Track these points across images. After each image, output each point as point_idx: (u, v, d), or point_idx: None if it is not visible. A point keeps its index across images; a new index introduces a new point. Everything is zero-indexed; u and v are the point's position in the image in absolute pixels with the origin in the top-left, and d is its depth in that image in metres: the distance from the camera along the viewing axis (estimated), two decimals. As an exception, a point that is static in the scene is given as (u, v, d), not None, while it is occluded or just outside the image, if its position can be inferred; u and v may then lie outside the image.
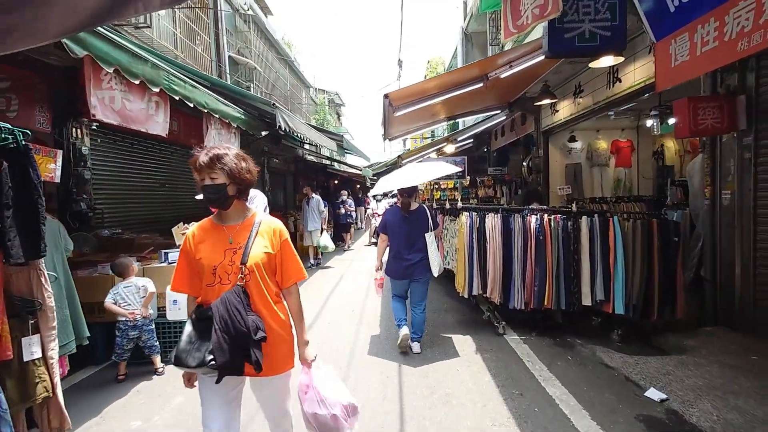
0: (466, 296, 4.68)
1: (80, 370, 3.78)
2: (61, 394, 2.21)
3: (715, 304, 4.33)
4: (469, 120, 11.62)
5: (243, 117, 5.32)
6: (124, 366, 3.62)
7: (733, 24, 2.79)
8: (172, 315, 3.90)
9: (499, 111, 8.80)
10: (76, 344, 3.03)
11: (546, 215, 4.42)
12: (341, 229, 12.21)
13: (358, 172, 19.52)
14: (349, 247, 12.41)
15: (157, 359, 3.77)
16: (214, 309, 1.66)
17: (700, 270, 4.50)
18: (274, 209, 12.85)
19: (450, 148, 11.33)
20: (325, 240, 9.00)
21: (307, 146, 14.46)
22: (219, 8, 9.90)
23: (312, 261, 8.98)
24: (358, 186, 22.13)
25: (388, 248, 4.32)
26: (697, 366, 3.40)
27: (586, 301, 4.28)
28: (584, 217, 4.32)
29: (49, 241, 2.91)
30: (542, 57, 4.75)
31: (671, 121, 6.97)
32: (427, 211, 4.26)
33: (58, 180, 3.10)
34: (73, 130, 5.60)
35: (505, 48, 6.82)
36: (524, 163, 9.63)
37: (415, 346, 4.13)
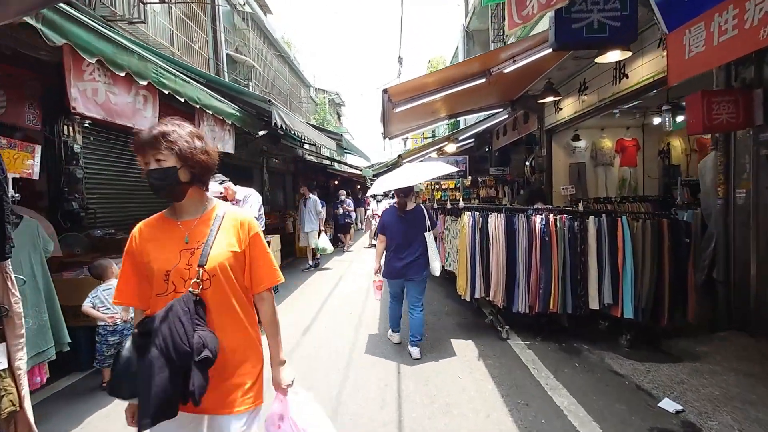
0: (468, 299, 4.51)
1: (64, 377, 3.61)
2: (30, 407, 2.04)
3: (729, 307, 4.15)
4: (470, 119, 11.45)
5: (238, 114, 5.15)
6: (108, 372, 3.44)
7: (754, 10, 2.61)
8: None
9: (501, 109, 8.62)
10: (57, 350, 2.86)
11: (551, 215, 4.25)
12: (339, 230, 12.03)
13: (358, 172, 19.37)
14: (348, 248, 12.24)
15: None
16: (153, 322, 1.34)
17: (712, 271, 4.33)
18: (274, 209, 12.78)
19: (451, 148, 11.16)
20: (323, 241, 8.83)
21: (306, 146, 14.31)
22: (216, 4, 9.74)
23: (310, 262, 8.80)
24: (359, 186, 21.97)
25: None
26: (712, 374, 3.22)
27: (594, 304, 4.10)
28: (592, 217, 4.15)
29: (27, 242, 2.75)
30: (547, 51, 4.59)
31: (680, 118, 6.82)
32: (425, 210, 4.24)
33: (36, 177, 2.93)
34: (65, 127, 5.45)
35: (509, 42, 6.65)
36: (527, 163, 9.46)
37: (415, 352, 3.98)
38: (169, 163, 1.40)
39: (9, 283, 1.95)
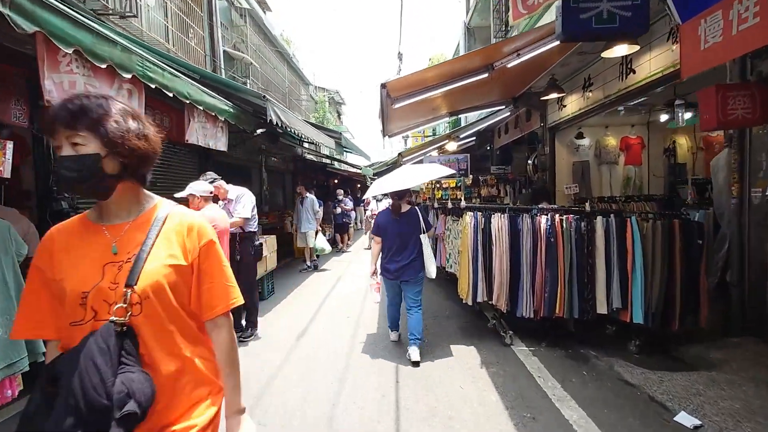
0: (470, 303, 4.33)
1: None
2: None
3: (743, 312, 3.97)
4: (471, 117, 11.25)
5: (231, 110, 4.97)
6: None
7: (780, -5, 2.43)
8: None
9: (503, 106, 8.43)
10: (30, 361, 2.68)
11: (557, 215, 4.06)
12: (337, 230, 11.80)
13: (358, 171, 19.17)
14: (347, 248, 12.06)
15: None
16: (61, 366, 1.03)
17: (725, 274, 4.14)
18: (273, 209, 12.59)
19: (452, 146, 10.96)
20: (321, 242, 8.64)
21: (306, 145, 14.12)
22: (212, -1, 9.55)
23: (308, 263, 8.61)
24: (359, 185, 21.78)
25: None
26: (730, 384, 3.04)
27: (602, 309, 3.93)
28: (599, 218, 3.97)
29: (-3, 244, 2.58)
30: (554, 44, 4.42)
31: (687, 115, 6.63)
32: (419, 212, 4.23)
33: (7, 175, 2.75)
34: (54, 124, 5.28)
35: (513, 34, 6.45)
36: (529, 161, 9.27)
37: (414, 353, 3.85)
38: (89, 149, 1.06)
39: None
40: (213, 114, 4.61)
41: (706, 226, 4.14)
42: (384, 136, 7.45)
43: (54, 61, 2.59)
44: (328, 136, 9.46)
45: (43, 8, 2.37)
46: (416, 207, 4.35)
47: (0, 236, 2.56)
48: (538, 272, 4.03)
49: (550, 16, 4.77)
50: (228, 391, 1.26)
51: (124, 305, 1.07)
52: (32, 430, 1.01)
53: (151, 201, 1.24)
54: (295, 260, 9.85)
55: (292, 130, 6.04)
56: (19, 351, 2.58)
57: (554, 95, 6.52)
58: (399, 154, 11.96)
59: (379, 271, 4.30)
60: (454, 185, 14.05)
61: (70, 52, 2.59)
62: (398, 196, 4.22)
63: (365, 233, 14.31)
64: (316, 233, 8.55)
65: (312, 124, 9.09)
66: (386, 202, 11.91)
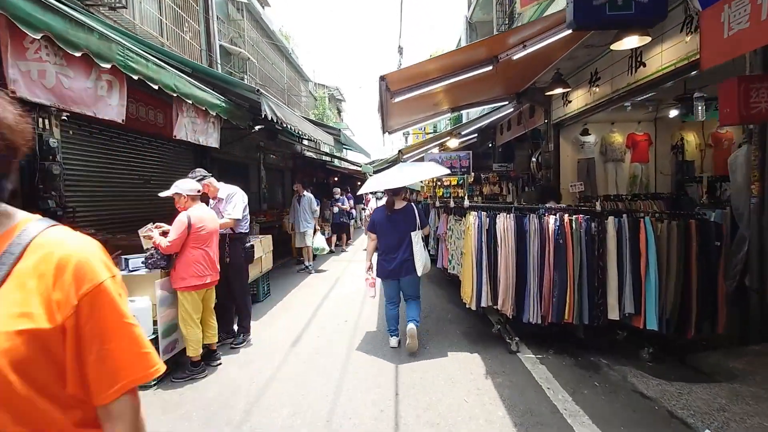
0: (473, 308, 4.11)
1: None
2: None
3: (763, 318, 3.74)
4: (473, 113, 11.02)
5: (224, 105, 4.74)
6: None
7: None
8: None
9: (506, 102, 8.19)
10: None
11: (566, 215, 3.84)
12: (334, 230, 11.53)
13: (358, 168, 18.94)
14: (346, 246, 11.84)
15: None
16: None
17: (744, 278, 3.91)
18: (271, 207, 12.37)
19: (453, 143, 10.73)
20: (319, 241, 8.41)
21: (305, 142, 13.89)
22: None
23: (307, 263, 8.37)
24: (359, 183, 21.55)
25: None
26: (756, 399, 2.81)
27: (613, 314, 3.71)
28: (611, 218, 3.75)
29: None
30: (562, 35, 4.18)
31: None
32: (415, 209, 4.23)
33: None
34: (40, 120, 5.06)
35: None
36: (533, 159, 9.04)
37: (412, 330, 4.01)
38: None
39: None
40: (203, 108, 4.38)
41: (724, 226, 3.91)
42: (384, 132, 7.22)
43: (20, 48, 2.36)
44: (327, 132, 9.23)
45: (5, -12, 2.15)
46: (412, 204, 4.34)
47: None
48: (546, 275, 3.82)
49: (560, 3, 4.54)
50: None
51: None
52: None
53: (10, 220, 0.82)
54: (294, 260, 9.62)
55: (289, 126, 5.80)
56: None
57: (559, 90, 6.29)
58: (399, 151, 11.72)
59: (375, 267, 4.29)
60: (455, 183, 13.82)
61: (38, 38, 2.37)
62: (393, 192, 4.21)
63: (365, 233, 14.04)
64: (315, 232, 8.31)
65: (310, 121, 8.85)
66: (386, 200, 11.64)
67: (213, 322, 3.84)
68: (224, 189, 4.23)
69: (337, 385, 3.42)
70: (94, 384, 0.81)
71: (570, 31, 4.15)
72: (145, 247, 3.70)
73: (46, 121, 5.18)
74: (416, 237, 4.11)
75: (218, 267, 3.80)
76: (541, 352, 3.92)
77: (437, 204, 6.92)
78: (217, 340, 3.90)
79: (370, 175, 17.70)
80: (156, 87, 3.50)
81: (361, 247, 12.50)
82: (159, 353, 3.46)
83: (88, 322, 0.80)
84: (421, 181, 10.71)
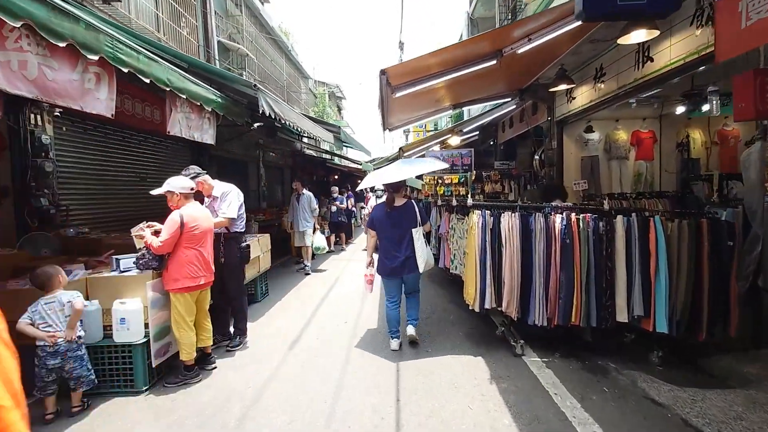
0: (477, 310, 3.98)
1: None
2: None
3: (777, 321, 3.61)
4: (474, 111, 10.88)
5: (219, 100, 4.60)
6: (52, 402, 2.91)
7: None
8: (119, 336, 3.21)
9: (509, 99, 8.05)
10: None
11: (573, 214, 3.71)
12: (332, 229, 11.37)
13: (359, 166, 18.81)
14: (345, 244, 11.70)
15: (77, 395, 3.00)
16: None
17: (757, 279, 3.78)
18: (271, 205, 12.24)
19: (455, 140, 10.60)
20: (319, 240, 8.27)
21: (305, 140, 13.76)
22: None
23: (306, 262, 8.22)
24: (359, 181, 21.41)
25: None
26: (774, 406, 2.69)
27: (622, 316, 3.59)
28: (620, 217, 3.62)
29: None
30: (569, 27, 4.05)
31: (705, 107, 6.26)
32: (415, 206, 4.17)
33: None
34: (31, 116, 4.95)
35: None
36: (536, 156, 8.91)
37: (411, 330, 4.16)
38: None
39: None
40: (198, 104, 4.24)
41: (737, 225, 3.78)
42: (384, 129, 7.09)
43: (-1, 36, 2.24)
44: (327, 130, 9.10)
45: (-20, -29, 2.01)
46: (412, 201, 4.27)
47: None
48: (552, 276, 3.69)
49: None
50: None
51: None
52: None
53: None
54: (292, 259, 9.48)
55: (287, 123, 5.68)
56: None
57: (563, 87, 6.16)
58: (400, 148, 11.60)
59: (375, 264, 4.24)
60: (456, 181, 13.68)
61: (18, 26, 2.24)
62: (393, 189, 4.16)
63: (364, 231, 13.86)
64: (314, 231, 8.17)
65: (310, 118, 8.72)
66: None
67: (207, 324, 3.71)
68: (219, 187, 4.09)
69: (336, 389, 3.30)
70: None
71: (578, 24, 4.02)
72: (137, 247, 3.57)
73: (38, 117, 5.07)
74: (417, 234, 4.05)
75: (213, 268, 3.67)
76: (547, 355, 3.79)
77: (439, 202, 6.79)
78: (211, 343, 3.78)
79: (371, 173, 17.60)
80: (147, 81, 3.37)
81: (361, 246, 12.37)
82: (151, 357, 3.33)
83: None
84: (422, 180, 10.56)
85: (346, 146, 13.62)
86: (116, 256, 3.51)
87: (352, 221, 13.82)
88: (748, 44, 2.78)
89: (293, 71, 17.96)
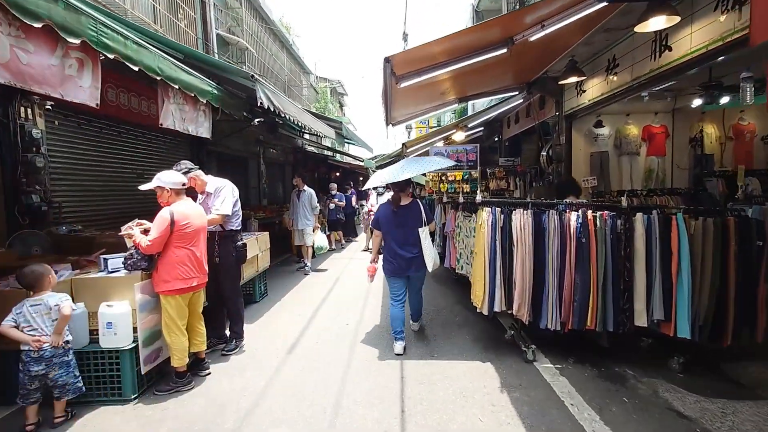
0: (485, 313, 3.76)
1: (-14, 413, 2.91)
2: None
3: (807, 326, 3.38)
4: (479, 106, 10.64)
5: (215, 91, 4.38)
6: (33, 411, 2.71)
7: None
8: (106, 342, 3.01)
9: (516, 92, 7.80)
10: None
11: (590, 212, 3.48)
12: (330, 227, 11.11)
13: (361, 163, 18.61)
14: (344, 242, 11.49)
15: (60, 404, 2.81)
16: None
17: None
18: (272, 202, 12.04)
19: (459, 136, 10.36)
20: (320, 240, 8.04)
21: (307, 136, 13.54)
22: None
23: (306, 262, 8.00)
24: (361, 178, 21.22)
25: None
26: (814, 422, 2.47)
27: (640, 320, 3.36)
28: (639, 215, 3.39)
29: None
30: (588, 11, 3.82)
31: (724, 99, 6.03)
32: (420, 205, 4.10)
33: None
34: (22, 109, 4.75)
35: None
36: (543, 153, 8.65)
37: (415, 326, 4.41)
38: None
39: None
40: (192, 95, 4.03)
41: (767, 224, 3.55)
42: (387, 124, 6.86)
43: (-38, 14, 2.03)
44: (328, 125, 8.88)
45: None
46: (417, 200, 4.20)
47: None
48: (566, 278, 3.47)
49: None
50: None
51: None
52: None
53: None
54: (293, 258, 9.26)
55: (287, 117, 5.46)
56: None
57: (574, 79, 5.91)
58: (403, 144, 11.36)
59: (381, 263, 4.20)
60: (460, 178, 13.46)
61: (-14, 3, 2.03)
62: (398, 188, 4.08)
63: (364, 231, 13.53)
64: (314, 230, 7.94)
65: (310, 113, 8.50)
66: (387, 196, 11.25)
67: (201, 328, 3.50)
68: (212, 182, 3.87)
69: (337, 398, 3.09)
70: None
71: (593, 9, 3.80)
72: (128, 246, 3.37)
73: (29, 111, 4.87)
74: (424, 233, 4.01)
75: (206, 268, 3.46)
76: (560, 361, 3.58)
77: (444, 199, 6.56)
78: (205, 348, 3.58)
79: (373, 170, 17.42)
80: (136, 68, 3.16)
81: (362, 246, 12.08)
82: (140, 364, 3.13)
83: None
84: (426, 177, 10.34)
85: (348, 142, 13.39)
86: (104, 256, 3.30)
87: (354, 218, 13.57)
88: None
89: (294, 66, 17.72)
